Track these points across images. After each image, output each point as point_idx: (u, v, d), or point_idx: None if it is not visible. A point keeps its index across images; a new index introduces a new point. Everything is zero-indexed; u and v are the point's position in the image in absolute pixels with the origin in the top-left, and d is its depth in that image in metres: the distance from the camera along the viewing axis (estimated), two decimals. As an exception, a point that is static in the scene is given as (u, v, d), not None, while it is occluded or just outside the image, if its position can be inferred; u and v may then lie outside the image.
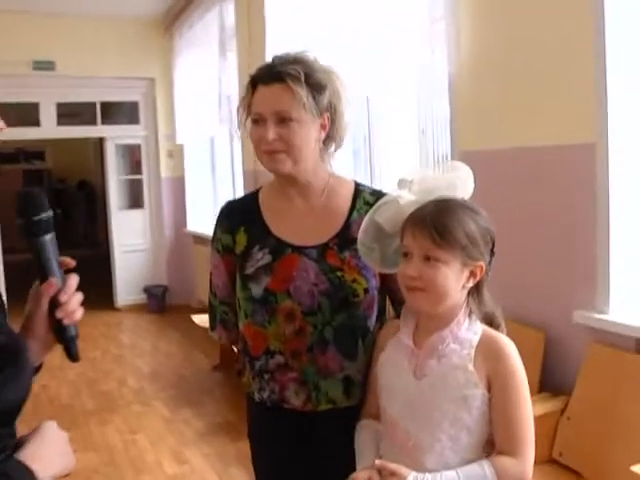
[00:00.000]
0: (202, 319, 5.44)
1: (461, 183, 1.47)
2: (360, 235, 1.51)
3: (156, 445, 4.13)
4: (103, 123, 7.97)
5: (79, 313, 1.16)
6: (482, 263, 1.41)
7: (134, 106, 8.13)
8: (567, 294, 2.70)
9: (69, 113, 7.88)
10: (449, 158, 3.33)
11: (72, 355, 1.18)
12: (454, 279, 1.39)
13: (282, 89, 1.59)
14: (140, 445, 4.15)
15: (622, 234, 2.53)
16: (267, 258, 1.66)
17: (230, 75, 5.81)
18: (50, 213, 1.13)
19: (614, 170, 2.51)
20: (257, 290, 1.64)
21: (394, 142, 4.09)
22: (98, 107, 7.86)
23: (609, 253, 2.53)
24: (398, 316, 1.62)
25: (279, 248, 1.66)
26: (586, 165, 2.57)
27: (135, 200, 8.29)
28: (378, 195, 1.68)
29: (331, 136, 1.68)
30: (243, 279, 1.67)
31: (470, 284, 1.42)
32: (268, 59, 1.68)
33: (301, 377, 1.64)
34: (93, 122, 7.94)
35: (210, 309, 1.85)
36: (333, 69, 1.68)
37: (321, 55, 1.68)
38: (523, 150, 2.87)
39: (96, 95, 7.78)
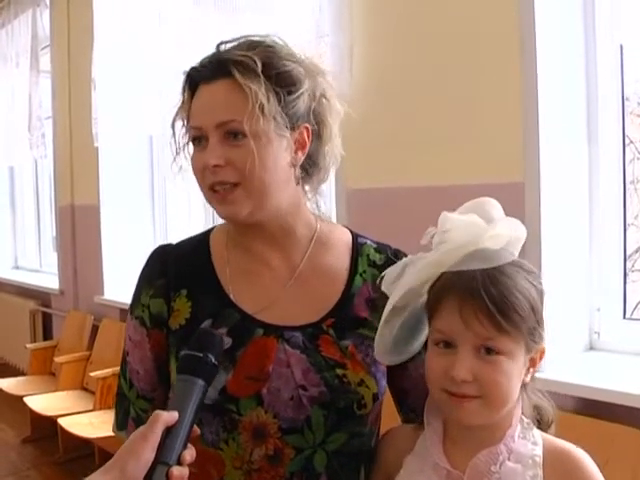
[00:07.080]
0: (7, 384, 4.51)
1: (506, 230, 1.05)
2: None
3: None
4: None
5: None
6: (544, 345, 1.01)
7: None
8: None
9: None
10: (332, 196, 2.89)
11: None
12: (518, 376, 0.98)
13: (228, 87, 1.06)
14: None
15: (554, 277, 2.24)
16: (225, 342, 1.09)
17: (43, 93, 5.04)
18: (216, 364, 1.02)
19: (545, 211, 2.24)
20: (209, 391, 1.08)
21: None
22: None
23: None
24: (405, 422, 1.20)
25: (244, 327, 1.12)
26: (514, 206, 2.27)
27: None
28: (386, 252, 1.21)
29: (314, 161, 1.14)
30: None
31: (529, 377, 1.02)
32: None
33: None
34: None
35: (119, 401, 1.24)
36: (313, 57, 1.14)
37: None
38: (437, 189, 2.52)
39: None
